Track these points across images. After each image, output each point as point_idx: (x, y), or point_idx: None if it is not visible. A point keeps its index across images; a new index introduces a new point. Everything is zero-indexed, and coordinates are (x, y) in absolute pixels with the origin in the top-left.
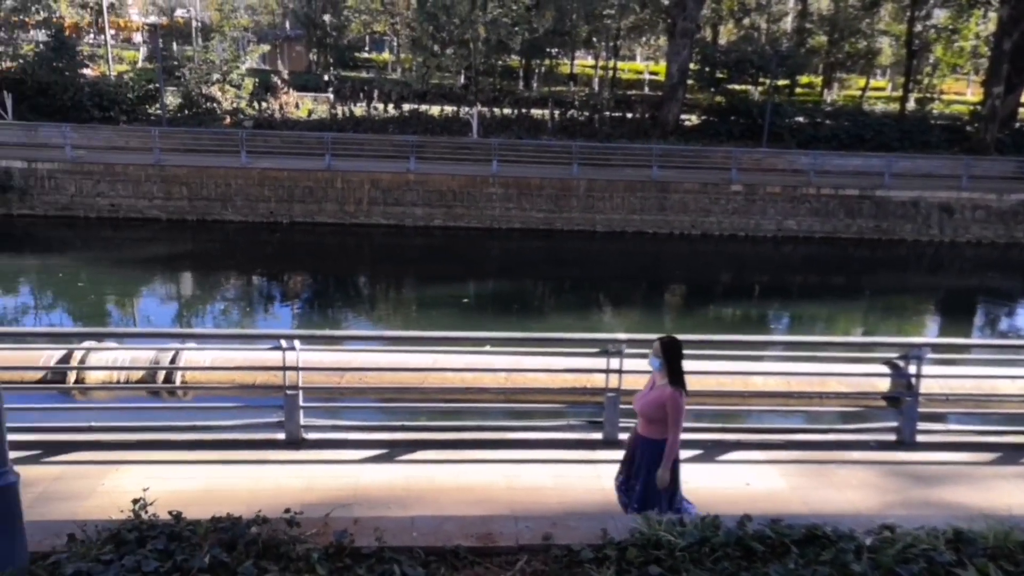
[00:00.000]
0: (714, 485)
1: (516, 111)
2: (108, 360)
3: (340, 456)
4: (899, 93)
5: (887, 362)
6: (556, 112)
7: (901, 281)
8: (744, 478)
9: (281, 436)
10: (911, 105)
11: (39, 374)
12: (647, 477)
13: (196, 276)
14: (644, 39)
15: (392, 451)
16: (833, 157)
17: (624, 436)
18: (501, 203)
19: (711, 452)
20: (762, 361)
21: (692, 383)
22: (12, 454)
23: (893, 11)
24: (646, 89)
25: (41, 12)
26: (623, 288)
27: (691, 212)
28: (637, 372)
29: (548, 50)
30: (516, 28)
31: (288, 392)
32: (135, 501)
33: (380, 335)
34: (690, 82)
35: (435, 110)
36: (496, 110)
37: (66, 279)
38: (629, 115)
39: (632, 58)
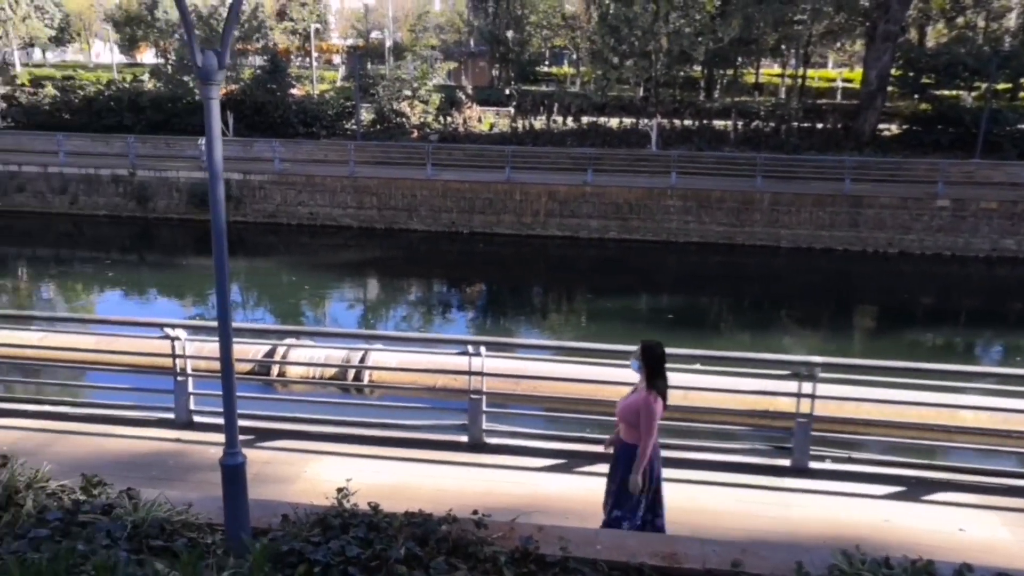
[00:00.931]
0: (921, 527)
1: (697, 122)
2: (306, 357)
3: (520, 463)
4: None
5: None
6: (739, 123)
7: None
8: (956, 522)
9: (464, 439)
10: None
11: (248, 366)
12: (623, 478)
13: (382, 281)
14: (838, 44)
15: (570, 461)
16: None
17: (815, 464)
18: (679, 216)
19: (915, 490)
20: (970, 394)
21: (888, 413)
22: None
23: None
24: (839, 97)
25: (260, 40)
26: (809, 307)
27: (888, 229)
28: (831, 398)
29: (733, 59)
30: (700, 38)
31: (472, 396)
32: (339, 490)
33: (559, 345)
34: (890, 89)
35: (614, 122)
36: (676, 121)
37: (282, 282)
38: (819, 125)
39: (823, 65)
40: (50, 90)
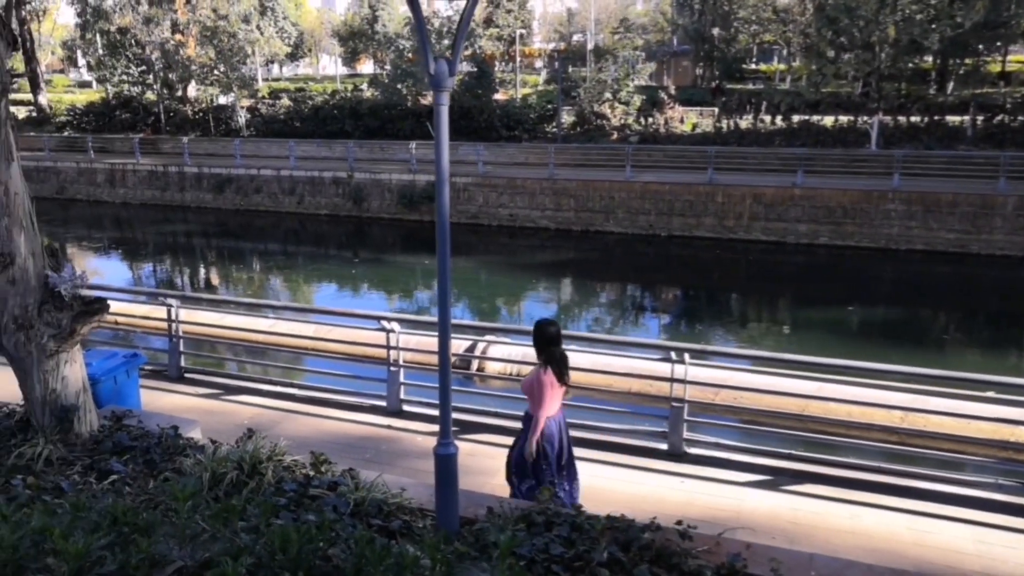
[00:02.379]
0: None
1: (925, 119)
2: (503, 354)
3: (722, 475)
4: None
5: None
6: (979, 118)
7: None
8: None
9: (663, 446)
10: None
11: (451, 359)
12: (521, 444)
13: (576, 282)
14: None
15: (776, 479)
16: None
17: None
18: (901, 221)
19: None
20: None
21: None
22: (436, 428)
23: None
24: None
25: (469, 47)
26: None
27: None
28: None
29: (973, 46)
30: (934, 25)
31: (674, 404)
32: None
33: (770, 356)
34: None
35: (828, 120)
36: (900, 118)
37: (481, 281)
38: None
39: None
40: (285, 101)
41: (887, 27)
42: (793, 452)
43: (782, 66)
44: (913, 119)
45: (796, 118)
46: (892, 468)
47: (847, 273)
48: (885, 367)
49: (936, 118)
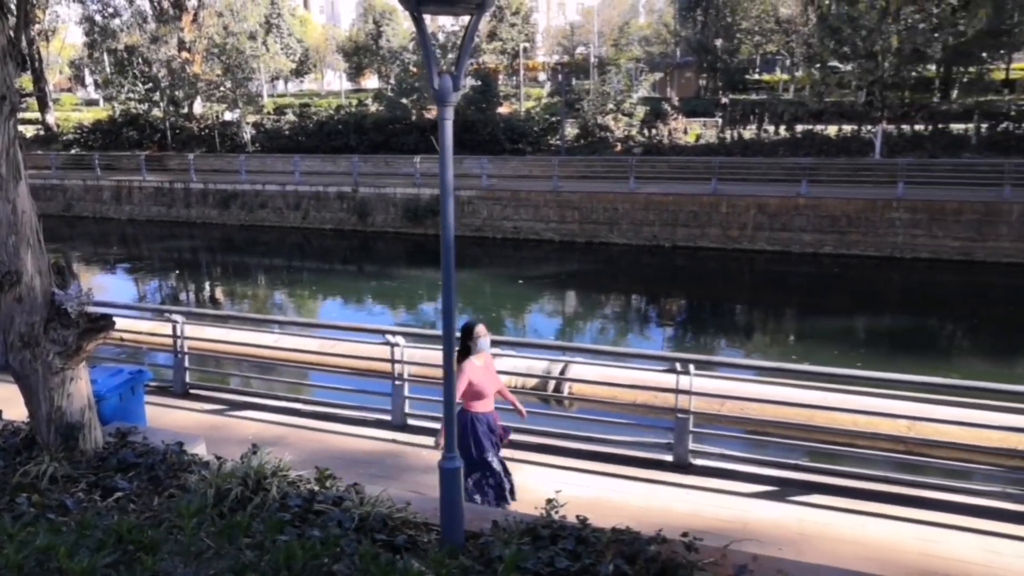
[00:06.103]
0: None
1: (929, 127)
2: (508, 367)
3: (728, 486)
4: None
5: None
6: (983, 126)
7: None
8: None
9: (668, 458)
10: None
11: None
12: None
13: (581, 294)
14: None
15: (783, 490)
16: None
17: None
18: (906, 229)
19: None
20: None
21: None
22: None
23: None
24: None
25: (473, 62)
26: None
27: None
28: None
29: (977, 54)
30: (936, 33)
31: (679, 415)
32: (548, 501)
33: (771, 366)
34: None
35: (831, 130)
36: (904, 127)
37: (485, 293)
38: None
39: None
40: (290, 117)
41: (890, 36)
42: (800, 463)
43: (785, 76)
44: (917, 127)
45: (800, 128)
46: (899, 478)
47: (852, 282)
48: (891, 376)
49: (940, 126)
